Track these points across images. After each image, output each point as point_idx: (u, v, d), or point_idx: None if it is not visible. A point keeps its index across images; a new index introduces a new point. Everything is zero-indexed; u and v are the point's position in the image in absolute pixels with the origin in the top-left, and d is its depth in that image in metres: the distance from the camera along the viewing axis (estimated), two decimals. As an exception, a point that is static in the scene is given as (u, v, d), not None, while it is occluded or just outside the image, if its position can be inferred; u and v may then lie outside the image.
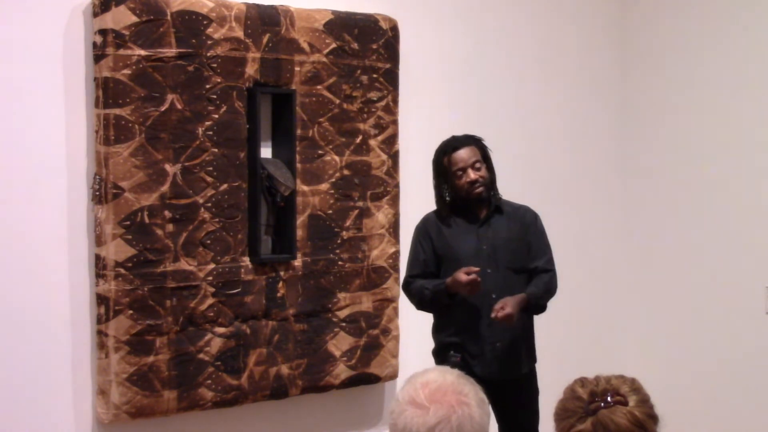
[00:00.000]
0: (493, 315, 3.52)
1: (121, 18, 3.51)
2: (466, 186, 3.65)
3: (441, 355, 3.71)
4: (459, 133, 3.79)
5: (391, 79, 4.21)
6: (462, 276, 3.51)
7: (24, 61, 3.49)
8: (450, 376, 1.92)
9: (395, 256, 4.20)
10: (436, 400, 1.86)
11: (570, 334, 5.03)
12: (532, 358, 3.80)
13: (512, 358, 3.71)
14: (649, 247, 5.16)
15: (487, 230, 3.72)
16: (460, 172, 3.66)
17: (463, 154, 3.66)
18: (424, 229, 3.74)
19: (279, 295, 3.92)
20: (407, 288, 3.75)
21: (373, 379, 4.21)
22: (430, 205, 3.82)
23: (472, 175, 3.65)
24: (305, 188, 3.98)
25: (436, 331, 3.77)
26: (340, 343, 4.09)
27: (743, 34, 4.76)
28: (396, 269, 4.19)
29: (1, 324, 3.46)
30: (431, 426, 1.84)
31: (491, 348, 3.67)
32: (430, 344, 3.82)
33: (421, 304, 3.72)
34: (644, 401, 1.93)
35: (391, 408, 1.92)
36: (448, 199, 3.72)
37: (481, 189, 3.67)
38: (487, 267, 3.66)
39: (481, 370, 3.59)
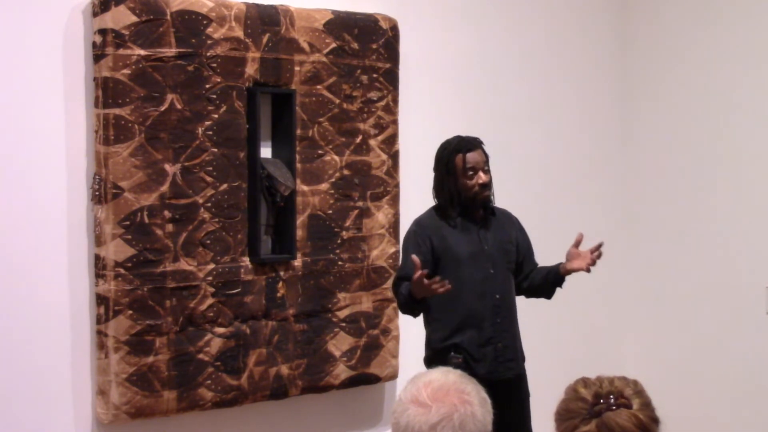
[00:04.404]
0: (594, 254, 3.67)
1: (121, 18, 3.50)
2: (476, 188, 3.66)
3: (439, 359, 3.63)
4: (459, 132, 3.79)
5: (391, 79, 4.21)
6: (423, 281, 3.41)
7: (24, 61, 3.48)
8: (452, 375, 1.94)
9: (395, 256, 4.20)
10: (438, 399, 1.87)
11: (569, 334, 5.03)
12: (523, 358, 3.84)
13: (513, 357, 3.74)
14: (649, 247, 5.16)
15: (487, 231, 3.74)
16: (471, 173, 3.66)
17: (477, 156, 3.68)
18: (422, 233, 3.70)
19: (279, 295, 3.92)
20: (394, 289, 3.70)
21: (373, 379, 4.20)
22: (429, 204, 3.81)
23: (483, 177, 3.66)
24: (305, 188, 3.98)
25: (434, 331, 3.74)
26: (340, 343, 4.08)
27: (747, 29, 4.76)
28: (396, 269, 4.18)
29: (1, 324, 3.45)
30: (433, 424, 1.85)
31: (493, 348, 3.68)
32: (431, 344, 3.82)
33: (400, 307, 3.70)
34: (647, 404, 1.93)
35: (394, 407, 1.93)
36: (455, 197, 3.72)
37: (488, 193, 3.70)
38: (490, 267, 3.69)
39: (484, 370, 3.59)
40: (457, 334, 3.66)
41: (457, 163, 3.67)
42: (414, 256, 3.47)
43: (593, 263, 3.68)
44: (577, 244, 3.72)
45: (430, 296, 3.49)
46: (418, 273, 3.40)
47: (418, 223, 3.74)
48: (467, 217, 3.72)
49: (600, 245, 3.69)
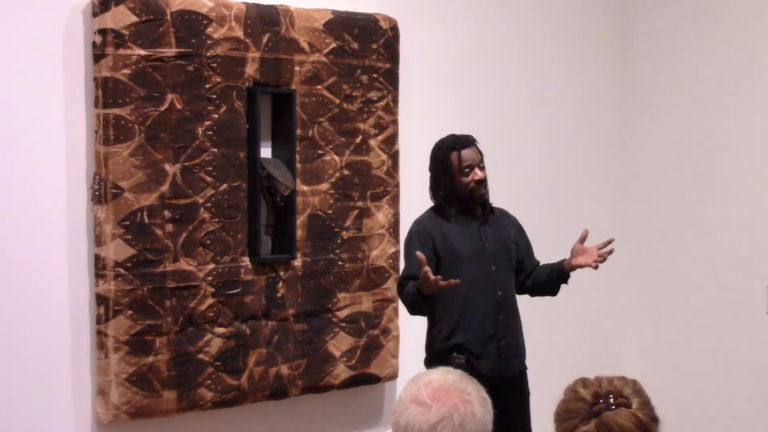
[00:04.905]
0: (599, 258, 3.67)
1: (121, 18, 3.50)
2: (472, 184, 3.66)
3: (441, 359, 3.60)
4: (460, 132, 3.79)
5: (391, 79, 4.21)
6: (429, 276, 3.42)
7: (24, 61, 3.48)
8: (452, 375, 1.95)
9: (395, 256, 4.20)
10: (438, 399, 1.88)
11: (569, 334, 5.03)
12: (525, 355, 3.84)
13: (515, 354, 3.75)
14: (648, 246, 5.16)
15: (487, 229, 3.74)
16: (467, 170, 3.66)
17: (471, 153, 3.68)
18: (423, 232, 3.69)
19: (279, 295, 3.92)
20: (401, 290, 3.68)
21: (373, 380, 4.20)
22: (429, 204, 3.81)
23: (479, 173, 3.66)
24: (305, 188, 3.98)
25: (437, 331, 3.73)
26: (340, 344, 4.08)
27: (747, 30, 4.76)
28: (396, 269, 4.19)
29: (1, 324, 3.45)
30: (433, 423, 1.85)
31: (495, 345, 3.68)
32: (431, 344, 3.82)
33: (408, 307, 3.69)
34: (646, 403, 1.94)
35: (394, 407, 1.93)
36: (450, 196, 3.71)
37: (484, 190, 3.70)
38: (492, 265, 3.69)
39: (487, 368, 3.59)
40: (459, 332, 3.66)
41: (453, 160, 3.67)
42: (418, 253, 3.47)
43: (602, 260, 3.67)
44: (583, 240, 3.72)
45: (437, 290, 3.48)
46: (426, 269, 3.40)
47: (419, 223, 3.74)
48: (466, 215, 3.72)
49: (610, 241, 3.69)
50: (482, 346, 3.66)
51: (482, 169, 3.70)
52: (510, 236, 3.81)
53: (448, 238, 3.67)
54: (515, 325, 3.76)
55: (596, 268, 3.69)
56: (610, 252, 3.68)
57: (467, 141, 3.70)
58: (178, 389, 3.66)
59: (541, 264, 3.88)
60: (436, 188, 3.75)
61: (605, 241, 3.69)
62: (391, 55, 4.20)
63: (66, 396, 3.58)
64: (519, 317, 3.79)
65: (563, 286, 3.86)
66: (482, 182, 3.68)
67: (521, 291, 3.87)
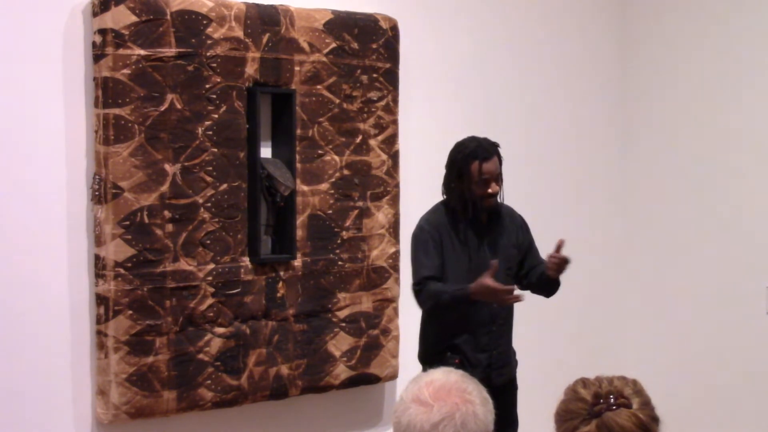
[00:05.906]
0: (552, 263, 3.60)
1: (121, 18, 3.50)
2: (485, 196, 3.63)
3: (436, 358, 3.61)
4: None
5: (391, 79, 4.21)
6: (494, 285, 3.44)
7: (23, 61, 3.48)
8: (454, 375, 1.95)
9: (395, 256, 4.20)
10: (440, 398, 1.88)
11: (569, 334, 5.03)
12: (516, 363, 3.86)
13: (506, 363, 3.77)
14: (649, 246, 5.16)
15: (491, 238, 3.72)
16: (483, 183, 3.62)
17: (492, 166, 3.61)
18: (435, 233, 3.66)
19: (279, 295, 3.92)
20: (422, 289, 3.61)
21: (373, 380, 4.20)
22: (429, 204, 3.80)
23: (494, 187, 3.62)
24: (305, 188, 3.97)
25: (429, 337, 3.72)
26: (340, 344, 4.08)
27: (747, 31, 4.76)
28: (396, 269, 4.18)
29: (1, 324, 3.45)
30: (435, 423, 1.85)
31: (488, 355, 3.68)
32: (431, 344, 3.81)
33: (435, 306, 3.64)
34: (646, 403, 1.94)
35: (395, 406, 1.93)
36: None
37: (494, 201, 3.67)
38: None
39: (477, 377, 3.57)
40: (453, 339, 3.66)
41: (472, 171, 3.61)
42: (494, 261, 3.46)
43: (556, 267, 3.61)
44: (557, 249, 3.66)
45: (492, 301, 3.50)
46: (489, 276, 3.40)
47: (429, 223, 3.69)
48: (473, 221, 3.69)
49: (560, 245, 3.62)
50: (473, 354, 3.66)
51: (499, 181, 3.65)
52: (512, 242, 3.79)
53: (452, 247, 3.65)
54: (508, 335, 3.77)
55: (555, 277, 3.65)
56: (564, 259, 3.61)
57: (489, 152, 3.63)
58: (178, 389, 3.66)
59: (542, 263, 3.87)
60: (448, 187, 3.72)
61: (556, 244, 3.63)
62: (391, 55, 4.20)
63: (66, 396, 3.58)
64: (511, 327, 3.78)
65: (562, 284, 3.85)
66: (493, 196, 3.65)
67: (522, 288, 3.87)
